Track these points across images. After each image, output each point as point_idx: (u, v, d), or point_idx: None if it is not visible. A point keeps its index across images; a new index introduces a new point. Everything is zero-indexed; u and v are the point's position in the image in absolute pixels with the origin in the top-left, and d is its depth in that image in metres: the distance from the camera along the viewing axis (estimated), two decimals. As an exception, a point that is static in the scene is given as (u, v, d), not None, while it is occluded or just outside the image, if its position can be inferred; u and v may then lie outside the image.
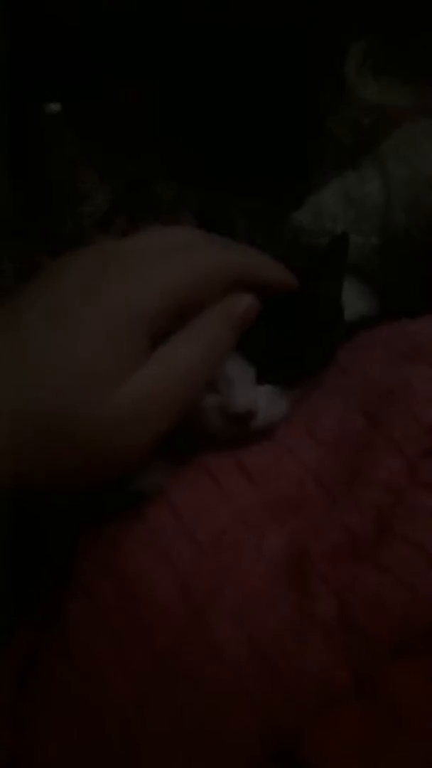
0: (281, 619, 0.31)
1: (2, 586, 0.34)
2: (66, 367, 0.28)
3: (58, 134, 0.61)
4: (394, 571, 0.31)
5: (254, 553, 0.33)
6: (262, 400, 0.37)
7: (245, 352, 0.36)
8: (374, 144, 0.52)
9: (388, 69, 0.54)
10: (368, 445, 0.35)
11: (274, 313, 0.37)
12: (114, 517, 0.38)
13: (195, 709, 0.29)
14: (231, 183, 0.61)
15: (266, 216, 0.60)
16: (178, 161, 0.61)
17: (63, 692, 0.31)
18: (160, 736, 0.29)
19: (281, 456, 0.37)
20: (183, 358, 0.31)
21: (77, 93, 0.61)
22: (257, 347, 0.37)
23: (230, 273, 0.33)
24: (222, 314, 0.32)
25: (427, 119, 0.50)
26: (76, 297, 0.29)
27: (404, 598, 0.30)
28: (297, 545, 0.33)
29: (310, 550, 0.32)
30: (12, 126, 0.52)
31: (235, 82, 0.60)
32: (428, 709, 0.28)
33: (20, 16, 0.52)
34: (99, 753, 0.29)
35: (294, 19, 0.57)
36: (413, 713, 0.28)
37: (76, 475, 0.29)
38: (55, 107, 0.62)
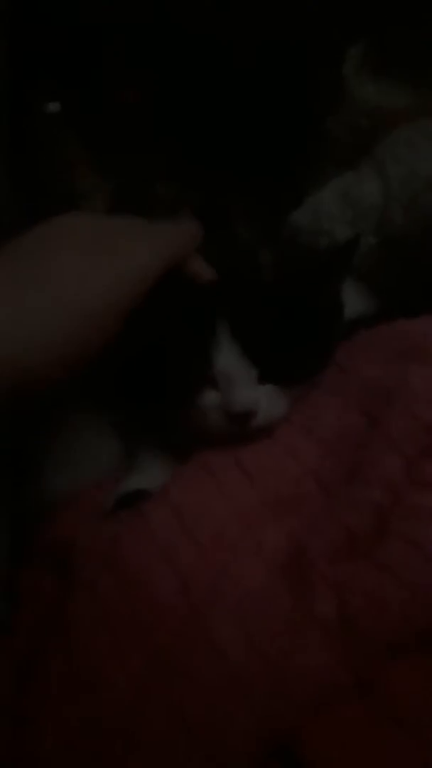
0: (280, 618, 0.31)
1: None
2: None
3: (58, 134, 0.61)
4: (393, 570, 0.31)
5: (254, 551, 0.33)
6: (263, 400, 0.37)
7: (246, 352, 0.37)
8: (372, 144, 0.52)
9: (386, 71, 0.54)
10: (367, 444, 0.35)
11: (274, 313, 0.37)
12: (115, 516, 0.38)
13: (194, 707, 0.29)
14: (231, 183, 0.61)
15: (265, 216, 0.60)
16: (178, 161, 0.62)
17: (63, 689, 0.31)
18: (159, 733, 0.29)
19: (281, 455, 0.37)
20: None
21: (77, 93, 0.61)
22: (258, 347, 0.37)
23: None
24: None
25: (425, 120, 0.51)
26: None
27: (403, 596, 0.30)
28: (296, 544, 0.33)
29: (309, 549, 0.32)
30: (12, 126, 0.52)
31: (235, 82, 0.60)
32: (428, 708, 0.29)
33: (20, 16, 0.52)
34: (98, 750, 0.29)
35: (294, 21, 0.57)
36: (413, 713, 0.28)
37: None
38: (55, 107, 0.62)
